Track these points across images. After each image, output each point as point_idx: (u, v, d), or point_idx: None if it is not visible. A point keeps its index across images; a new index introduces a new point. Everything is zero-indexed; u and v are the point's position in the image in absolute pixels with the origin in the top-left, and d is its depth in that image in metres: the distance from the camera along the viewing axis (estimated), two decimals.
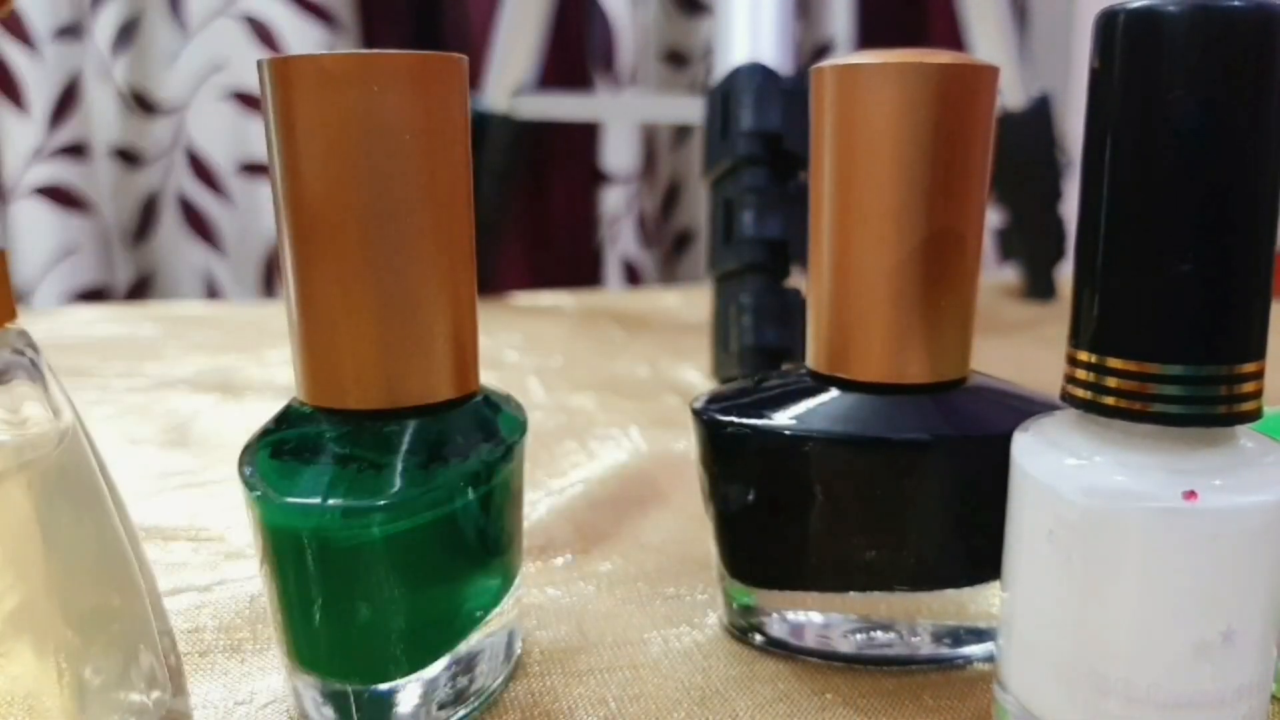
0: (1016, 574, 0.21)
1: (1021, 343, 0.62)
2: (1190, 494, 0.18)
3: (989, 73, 0.25)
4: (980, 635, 0.26)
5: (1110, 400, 0.19)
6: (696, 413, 0.27)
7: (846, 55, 0.25)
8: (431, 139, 0.22)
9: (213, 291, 0.96)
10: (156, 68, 0.92)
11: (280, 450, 0.23)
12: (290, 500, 0.22)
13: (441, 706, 0.24)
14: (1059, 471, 0.20)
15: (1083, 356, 0.20)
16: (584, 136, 0.99)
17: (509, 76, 0.72)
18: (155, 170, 0.94)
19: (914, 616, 0.26)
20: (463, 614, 0.24)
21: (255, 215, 0.95)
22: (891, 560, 0.26)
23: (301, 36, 0.91)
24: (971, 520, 0.26)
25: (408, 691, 0.23)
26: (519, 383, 0.54)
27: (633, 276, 1.00)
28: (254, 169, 0.94)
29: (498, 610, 0.25)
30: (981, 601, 0.26)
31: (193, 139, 0.93)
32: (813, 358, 0.27)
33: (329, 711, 0.23)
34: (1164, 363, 0.19)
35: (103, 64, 0.90)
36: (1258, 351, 0.19)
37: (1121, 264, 0.19)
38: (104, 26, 0.89)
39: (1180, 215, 0.18)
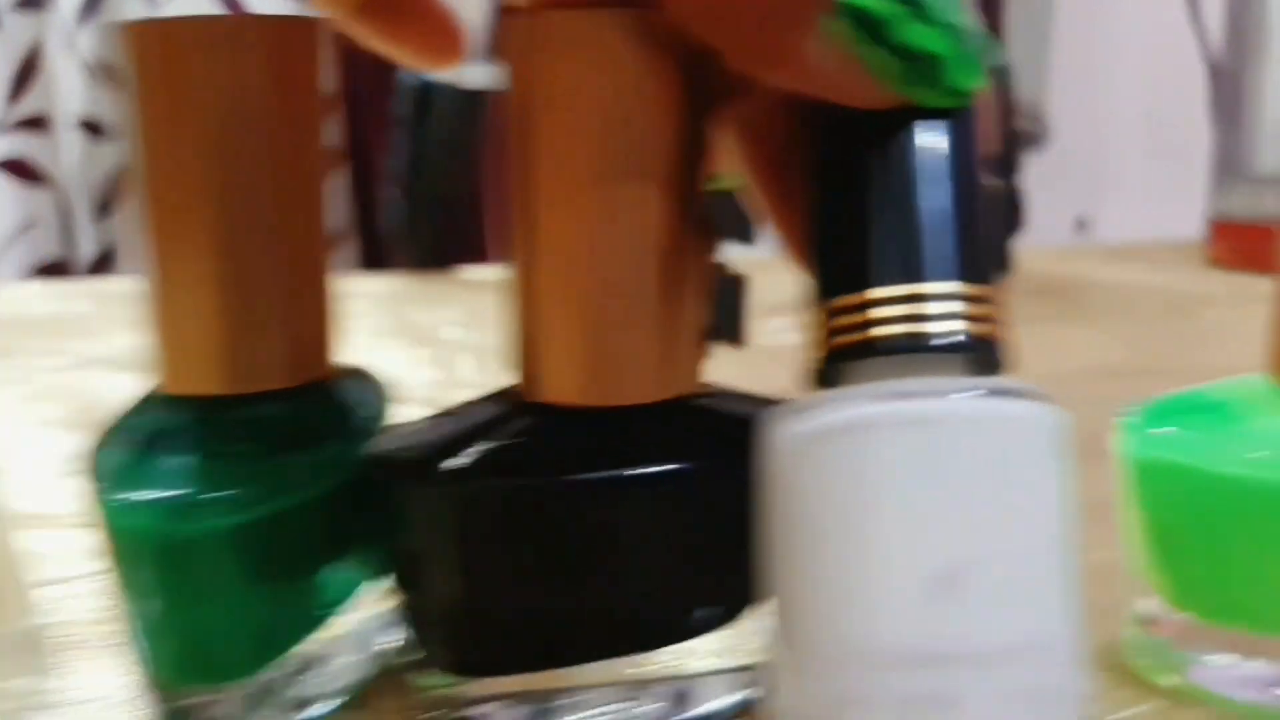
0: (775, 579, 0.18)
1: None
2: (885, 396, 0.17)
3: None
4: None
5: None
6: (369, 466, 0.22)
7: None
8: (283, 108, 0.21)
9: None
10: None
11: (126, 439, 0.22)
12: (127, 494, 0.21)
13: (297, 705, 0.23)
14: (780, 429, 0.18)
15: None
16: None
17: None
18: (123, 142, 0.92)
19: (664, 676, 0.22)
20: (317, 608, 0.23)
21: None
22: (619, 618, 0.21)
23: (270, 6, 0.89)
24: (713, 555, 0.22)
25: (256, 688, 0.22)
26: (447, 361, 0.53)
27: None
28: None
29: (356, 603, 0.24)
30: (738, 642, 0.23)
31: None
32: (519, 379, 0.22)
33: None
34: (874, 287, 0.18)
35: (68, 35, 0.88)
36: (971, 274, 0.18)
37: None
38: None
39: None
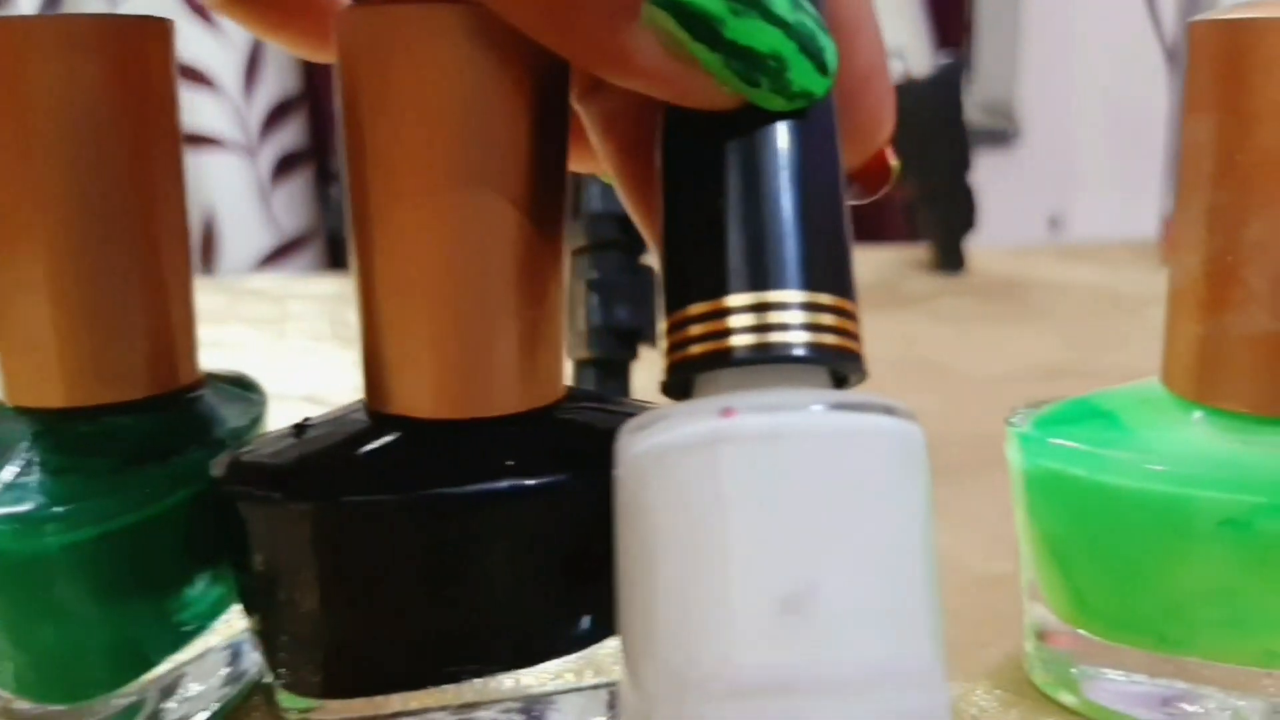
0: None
1: (914, 317, 0.60)
2: (728, 411, 0.15)
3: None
4: None
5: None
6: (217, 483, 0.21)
7: None
8: (132, 112, 0.21)
9: None
10: None
11: None
12: None
13: None
14: (625, 444, 0.17)
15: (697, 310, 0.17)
16: None
17: None
18: None
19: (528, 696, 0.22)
20: (180, 625, 0.22)
21: (193, 186, 0.93)
22: (484, 637, 0.21)
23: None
24: (590, 567, 0.20)
25: (117, 707, 0.21)
26: None
27: None
28: (190, 140, 0.92)
29: (217, 624, 0.23)
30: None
31: None
32: (366, 391, 0.21)
33: None
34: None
35: None
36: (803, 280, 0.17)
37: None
38: None
39: None
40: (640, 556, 0.16)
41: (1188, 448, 0.21)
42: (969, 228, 0.70)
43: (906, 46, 0.66)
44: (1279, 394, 0.21)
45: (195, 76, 0.96)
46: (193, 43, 0.95)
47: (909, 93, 0.66)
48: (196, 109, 0.97)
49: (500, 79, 0.18)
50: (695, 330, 0.17)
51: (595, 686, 0.22)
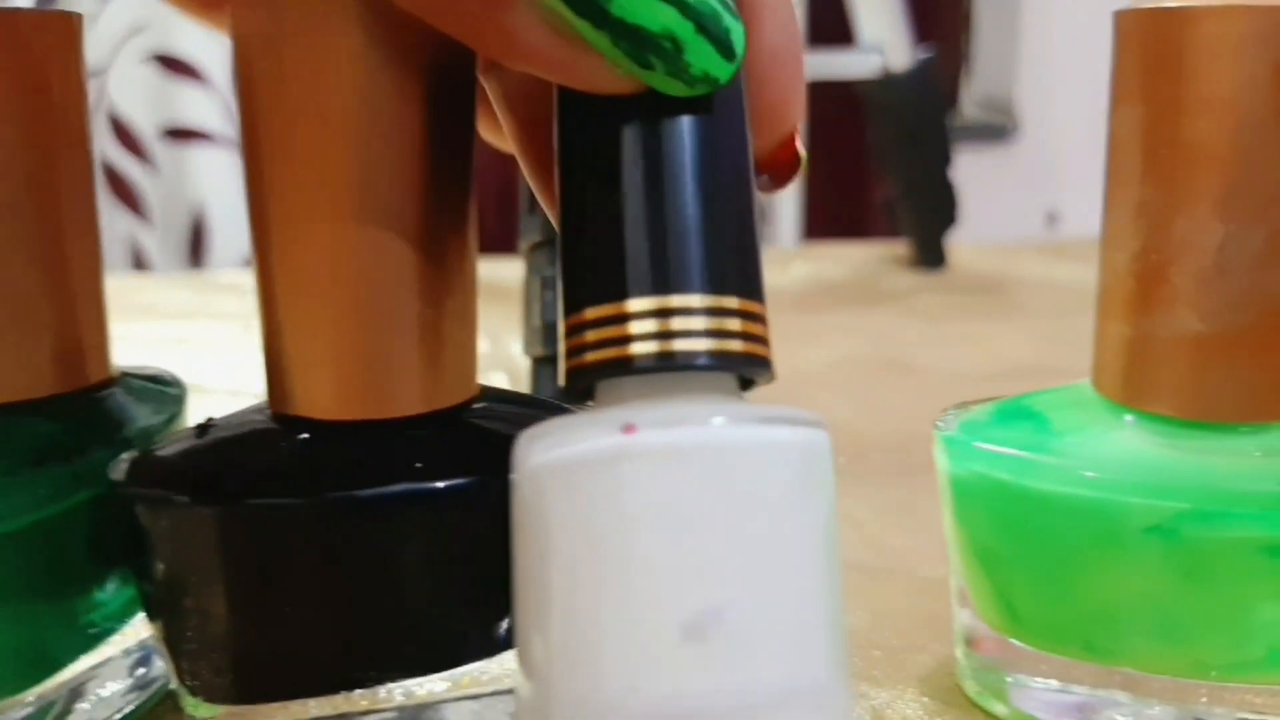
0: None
1: (889, 314, 0.59)
2: (629, 427, 0.15)
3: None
4: None
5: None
6: (115, 486, 0.20)
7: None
8: (32, 110, 0.20)
9: (140, 262, 0.94)
10: None
11: None
12: None
13: None
14: (521, 457, 0.16)
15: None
16: None
17: None
18: None
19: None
20: (89, 627, 0.22)
21: (182, 182, 0.93)
22: (394, 642, 0.20)
23: None
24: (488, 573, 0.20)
25: (22, 710, 0.21)
26: None
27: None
28: (180, 134, 0.93)
29: (128, 626, 0.23)
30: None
31: (115, 103, 0.91)
32: (269, 393, 0.20)
33: None
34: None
35: None
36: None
37: None
38: None
39: None
40: (539, 575, 0.16)
41: (1114, 452, 0.21)
42: (950, 224, 0.69)
43: (885, 40, 0.65)
44: (1206, 398, 0.20)
45: (184, 70, 0.96)
46: (181, 36, 0.95)
47: (887, 87, 0.65)
48: (185, 103, 0.96)
49: (396, 67, 0.18)
50: (594, 335, 0.16)
51: (494, 694, 0.21)
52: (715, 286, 0.16)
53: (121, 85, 0.91)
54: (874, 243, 0.80)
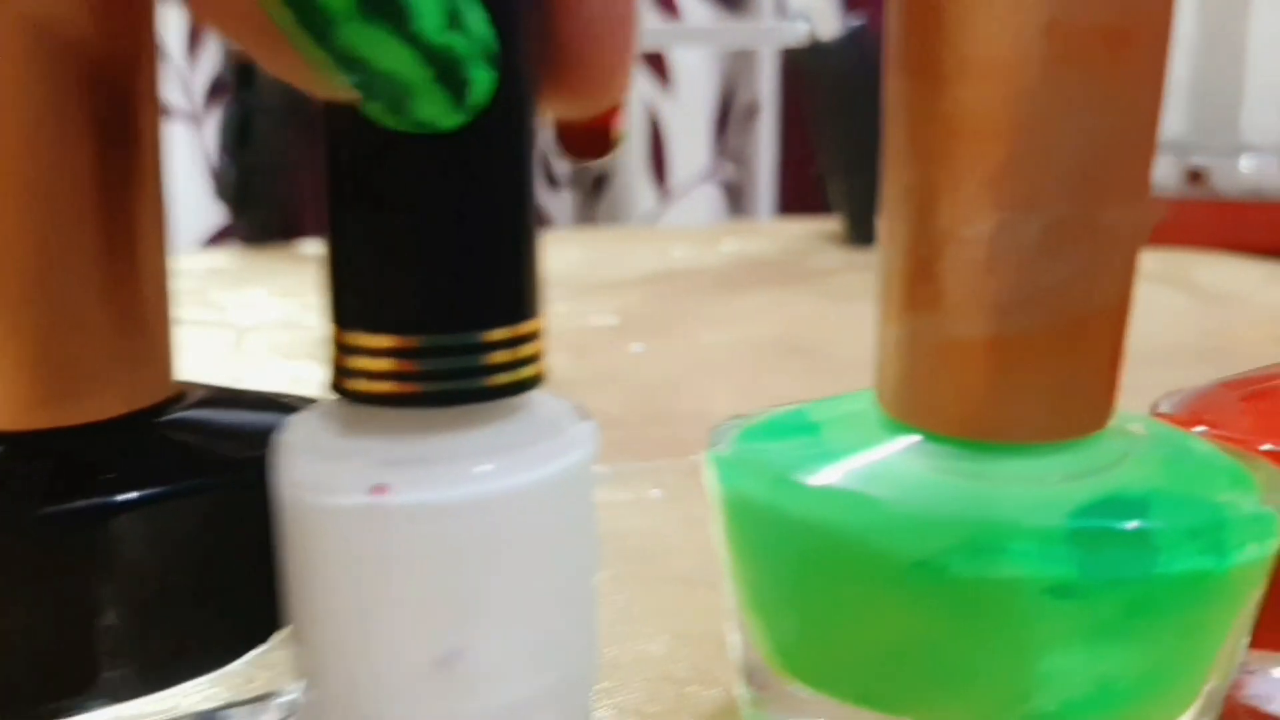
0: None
1: (804, 294, 0.56)
2: (379, 488, 0.15)
3: None
4: None
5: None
6: None
7: None
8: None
9: None
10: None
11: None
12: None
13: None
14: (285, 488, 0.16)
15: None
16: None
17: None
18: None
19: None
20: None
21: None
22: (100, 663, 0.19)
23: None
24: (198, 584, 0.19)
25: None
26: (241, 349, 0.49)
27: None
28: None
29: None
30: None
31: None
32: None
33: None
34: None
35: None
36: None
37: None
38: None
39: None
40: (304, 595, 0.16)
41: (882, 475, 0.18)
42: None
43: (812, 8, 0.62)
44: (985, 415, 0.17)
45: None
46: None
47: (815, 56, 0.62)
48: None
49: (55, 59, 0.16)
50: (360, 363, 0.16)
51: (258, 699, 0.20)
52: (479, 322, 0.16)
53: None
54: (808, 219, 0.77)
